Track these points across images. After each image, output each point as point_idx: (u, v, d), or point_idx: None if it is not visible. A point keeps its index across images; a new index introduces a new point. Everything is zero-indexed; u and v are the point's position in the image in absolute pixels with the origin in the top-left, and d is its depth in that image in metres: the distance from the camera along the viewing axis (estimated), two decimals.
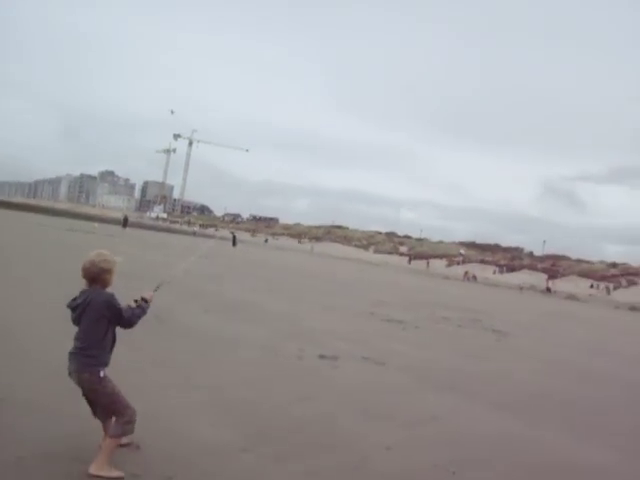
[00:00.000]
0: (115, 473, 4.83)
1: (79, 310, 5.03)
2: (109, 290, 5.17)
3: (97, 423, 5.41)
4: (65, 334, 9.69)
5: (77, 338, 5.05)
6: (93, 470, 4.80)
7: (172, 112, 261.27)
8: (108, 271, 5.10)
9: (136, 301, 5.28)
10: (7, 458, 4.92)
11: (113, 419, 5.03)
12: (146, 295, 5.34)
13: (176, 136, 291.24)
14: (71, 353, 5.03)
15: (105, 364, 5.06)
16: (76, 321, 5.08)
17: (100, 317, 4.99)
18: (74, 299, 5.13)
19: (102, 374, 4.99)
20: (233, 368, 9.44)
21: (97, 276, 5.06)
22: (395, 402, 8.74)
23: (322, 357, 11.12)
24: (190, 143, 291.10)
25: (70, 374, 5.04)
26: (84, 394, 5.12)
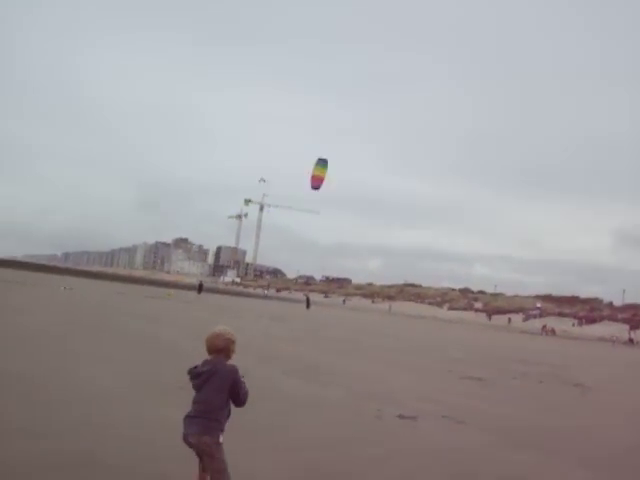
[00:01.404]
0: None
1: (204, 377, 5.34)
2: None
3: None
4: (145, 400, 9.98)
5: (198, 402, 5.33)
6: None
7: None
8: (233, 342, 5.53)
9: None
10: None
11: None
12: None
13: (247, 201, 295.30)
14: (191, 417, 5.30)
15: (223, 430, 5.34)
16: (198, 387, 5.38)
17: (225, 387, 5.31)
18: (195, 367, 5.47)
19: (221, 439, 5.26)
20: (312, 429, 9.49)
21: (224, 347, 5.46)
22: (477, 461, 8.64)
23: (401, 417, 11.07)
24: (261, 208, 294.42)
25: (186, 436, 5.28)
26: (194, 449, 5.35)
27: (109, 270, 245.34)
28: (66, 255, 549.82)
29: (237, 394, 5.39)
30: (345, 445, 8.73)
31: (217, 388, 5.29)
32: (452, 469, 8.05)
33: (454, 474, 7.84)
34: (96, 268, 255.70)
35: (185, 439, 5.33)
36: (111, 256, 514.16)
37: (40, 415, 8.42)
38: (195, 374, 5.42)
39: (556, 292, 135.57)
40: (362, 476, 7.33)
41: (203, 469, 5.50)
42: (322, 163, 16.35)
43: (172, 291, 71.89)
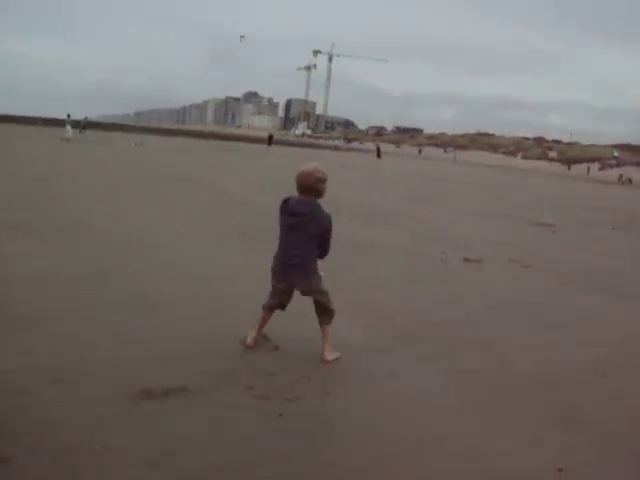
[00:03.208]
0: (337, 354, 5.49)
1: (301, 219, 5.28)
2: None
3: (235, 326, 5.84)
4: (209, 247, 10.03)
5: (296, 247, 5.34)
6: (327, 356, 5.41)
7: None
8: (323, 181, 5.38)
9: None
10: (152, 357, 5.10)
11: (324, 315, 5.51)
12: None
13: (316, 52, 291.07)
14: (292, 264, 5.37)
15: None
16: (291, 227, 5.33)
17: (319, 234, 5.31)
18: (288, 200, 5.38)
19: (321, 273, 5.49)
20: (374, 272, 9.42)
21: (313, 185, 5.31)
22: (541, 303, 8.41)
23: (466, 260, 10.89)
24: (330, 58, 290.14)
25: (292, 283, 5.45)
26: (283, 291, 5.51)
27: (183, 127, 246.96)
28: (138, 114, 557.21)
29: (326, 244, 5.41)
30: (408, 286, 8.67)
31: (313, 234, 5.29)
32: (516, 309, 7.88)
33: (518, 314, 7.67)
34: (167, 125, 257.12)
35: (289, 285, 5.47)
36: (182, 113, 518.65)
37: (107, 259, 8.59)
38: (291, 212, 5.31)
39: (635, 141, 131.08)
40: (425, 315, 7.22)
41: (282, 307, 5.62)
42: None
43: (242, 144, 72.36)
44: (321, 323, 5.49)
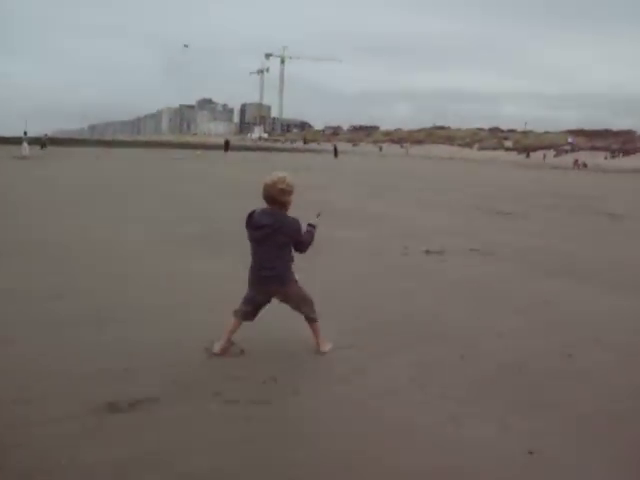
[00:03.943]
0: (330, 345, 5.68)
1: (266, 231, 5.22)
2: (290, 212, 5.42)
3: (199, 334, 5.82)
4: (172, 255, 9.91)
5: (267, 259, 5.33)
6: (323, 349, 5.59)
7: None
8: (288, 193, 5.30)
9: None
10: (116, 369, 5.02)
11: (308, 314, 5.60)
12: (313, 222, 5.59)
13: (268, 55, 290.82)
14: (264, 277, 5.37)
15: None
16: (258, 240, 5.30)
17: (290, 241, 5.31)
18: (252, 213, 5.34)
19: (297, 277, 5.54)
20: (337, 268, 9.42)
21: (277, 197, 5.25)
22: (505, 290, 8.48)
23: (428, 252, 10.95)
24: (282, 61, 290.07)
25: (267, 293, 5.47)
26: (260, 302, 5.49)
27: (140, 138, 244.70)
28: (92, 128, 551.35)
29: (299, 245, 5.40)
30: (373, 282, 8.68)
31: (283, 243, 5.27)
32: (479, 298, 7.93)
33: (482, 302, 7.71)
34: (123, 137, 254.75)
35: (266, 296, 5.47)
36: (137, 124, 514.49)
37: (65, 273, 8.45)
38: (255, 225, 5.26)
39: (588, 127, 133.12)
40: (390, 309, 7.22)
41: (252, 316, 5.55)
42: None
43: (200, 151, 71.97)
44: (309, 322, 5.60)
